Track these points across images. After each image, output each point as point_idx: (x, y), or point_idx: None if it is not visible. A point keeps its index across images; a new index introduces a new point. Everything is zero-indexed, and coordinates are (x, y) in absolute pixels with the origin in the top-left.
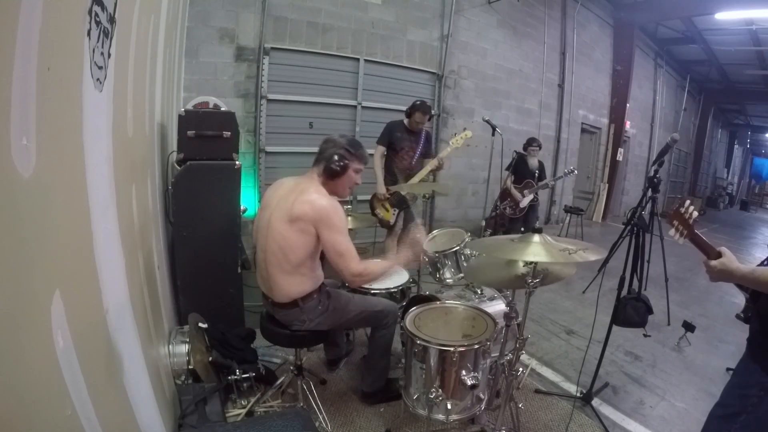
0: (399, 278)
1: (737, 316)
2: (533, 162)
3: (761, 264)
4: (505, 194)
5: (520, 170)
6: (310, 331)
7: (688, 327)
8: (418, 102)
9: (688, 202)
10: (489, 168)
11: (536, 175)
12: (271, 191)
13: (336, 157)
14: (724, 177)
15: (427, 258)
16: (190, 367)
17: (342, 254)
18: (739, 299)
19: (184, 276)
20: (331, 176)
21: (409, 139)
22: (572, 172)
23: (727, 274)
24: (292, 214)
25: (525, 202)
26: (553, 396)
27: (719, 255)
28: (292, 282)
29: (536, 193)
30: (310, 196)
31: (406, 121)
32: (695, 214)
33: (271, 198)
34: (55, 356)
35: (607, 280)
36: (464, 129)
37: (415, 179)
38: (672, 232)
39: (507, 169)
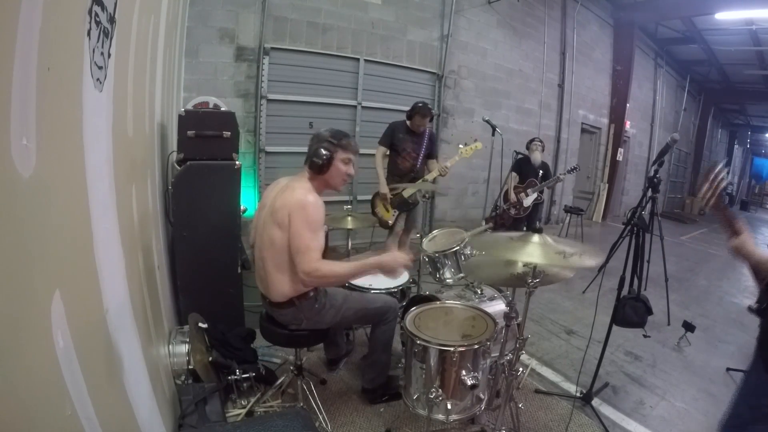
0: (399, 278)
1: (749, 309)
2: (536, 157)
3: None
4: (507, 195)
5: (524, 170)
6: (310, 331)
7: (688, 327)
8: (420, 104)
9: (720, 166)
10: (489, 168)
11: (540, 174)
12: (267, 191)
13: (320, 151)
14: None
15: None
16: (190, 367)
17: (299, 250)
18: (739, 299)
19: (184, 276)
20: (319, 171)
21: (411, 140)
22: (575, 169)
23: (745, 254)
24: (274, 208)
25: (528, 202)
26: (553, 396)
27: (738, 233)
28: (287, 280)
29: (540, 192)
30: (295, 191)
31: (408, 122)
32: (723, 183)
33: (266, 198)
34: (55, 356)
35: (607, 280)
36: (475, 140)
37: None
38: (703, 189)
39: (512, 170)
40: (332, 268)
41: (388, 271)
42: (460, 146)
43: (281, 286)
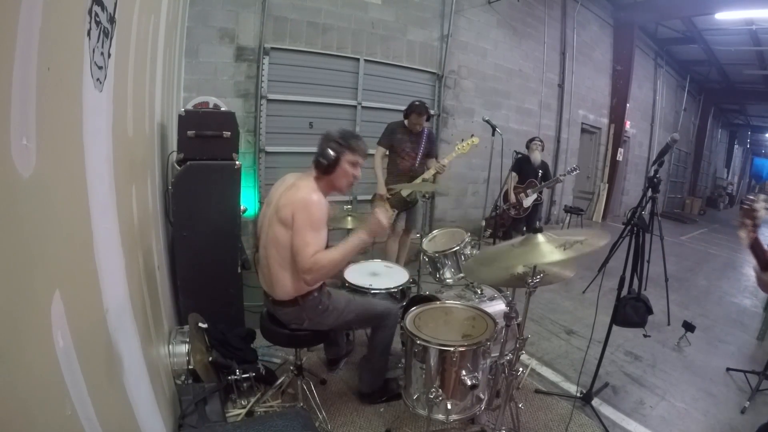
0: (399, 278)
1: None
2: (536, 157)
3: None
4: (507, 195)
5: (524, 170)
6: (310, 331)
7: (688, 327)
8: (416, 102)
9: (762, 196)
10: (489, 168)
11: (540, 174)
12: (274, 188)
13: (327, 151)
14: (724, 177)
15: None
16: (190, 367)
17: (298, 249)
18: (739, 299)
19: (184, 276)
20: (325, 171)
21: (410, 140)
22: (575, 170)
23: None
24: (279, 205)
25: (528, 202)
26: (553, 396)
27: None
28: (291, 278)
29: (540, 193)
30: (300, 190)
31: (406, 121)
32: (763, 213)
33: (273, 195)
34: (55, 356)
35: (607, 280)
36: (471, 135)
37: (417, 181)
38: (743, 233)
39: (512, 170)
40: (328, 256)
41: (376, 233)
42: (457, 143)
43: (285, 284)
